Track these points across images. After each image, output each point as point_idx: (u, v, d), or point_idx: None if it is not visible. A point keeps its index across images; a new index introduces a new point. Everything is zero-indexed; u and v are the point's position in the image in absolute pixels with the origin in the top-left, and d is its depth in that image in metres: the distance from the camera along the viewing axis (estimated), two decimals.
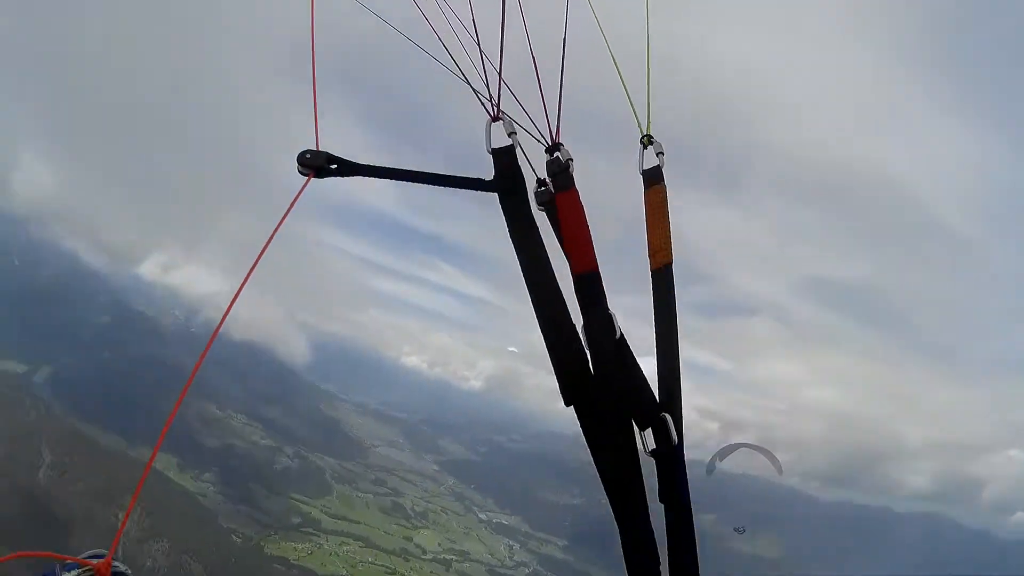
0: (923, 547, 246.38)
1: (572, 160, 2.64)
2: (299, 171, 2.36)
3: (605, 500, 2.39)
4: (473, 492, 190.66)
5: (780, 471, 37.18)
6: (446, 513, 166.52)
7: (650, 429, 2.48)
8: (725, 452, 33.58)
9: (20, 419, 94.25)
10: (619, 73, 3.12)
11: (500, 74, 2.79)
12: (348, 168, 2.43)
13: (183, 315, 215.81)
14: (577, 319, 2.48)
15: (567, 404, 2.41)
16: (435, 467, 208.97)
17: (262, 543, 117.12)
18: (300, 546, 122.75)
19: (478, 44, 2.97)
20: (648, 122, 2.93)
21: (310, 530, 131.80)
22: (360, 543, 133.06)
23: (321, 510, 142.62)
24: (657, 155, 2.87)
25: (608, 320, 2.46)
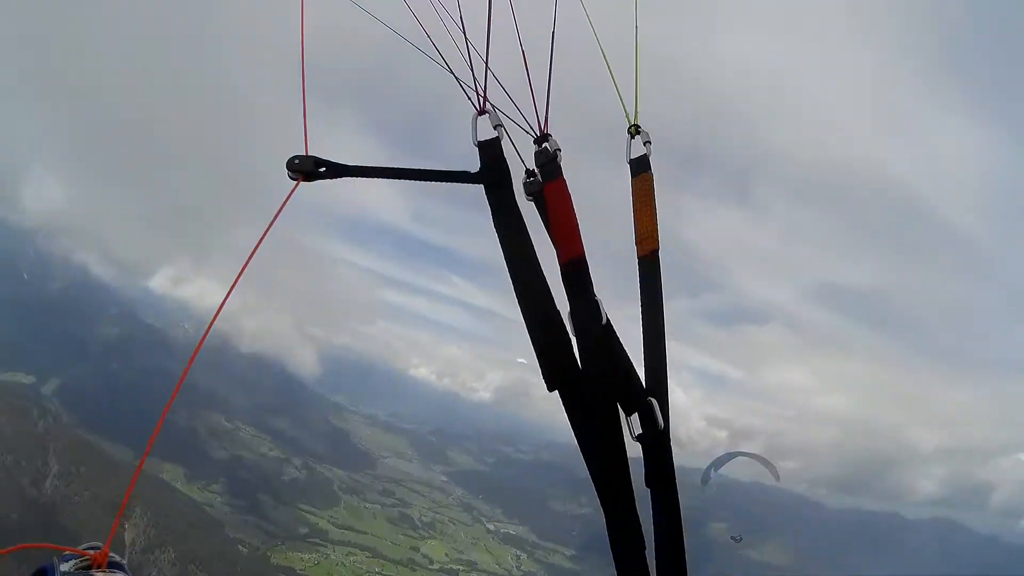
0: (933, 553, 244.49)
1: (560, 151, 2.68)
2: (289, 176, 2.41)
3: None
4: (481, 502, 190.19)
5: (777, 478, 37.31)
6: (454, 523, 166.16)
7: (636, 414, 2.48)
8: (720, 462, 33.52)
9: (28, 429, 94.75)
10: (607, 63, 3.14)
11: (487, 66, 2.81)
12: (336, 170, 2.47)
13: (192, 328, 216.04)
14: (563, 308, 2.49)
15: (551, 390, 2.44)
16: (443, 478, 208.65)
17: (269, 553, 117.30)
18: (307, 556, 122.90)
19: (465, 36, 2.98)
20: (636, 112, 2.95)
21: (317, 540, 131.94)
22: (367, 553, 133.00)
23: (328, 520, 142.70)
24: (644, 144, 2.91)
25: (594, 306, 2.47)
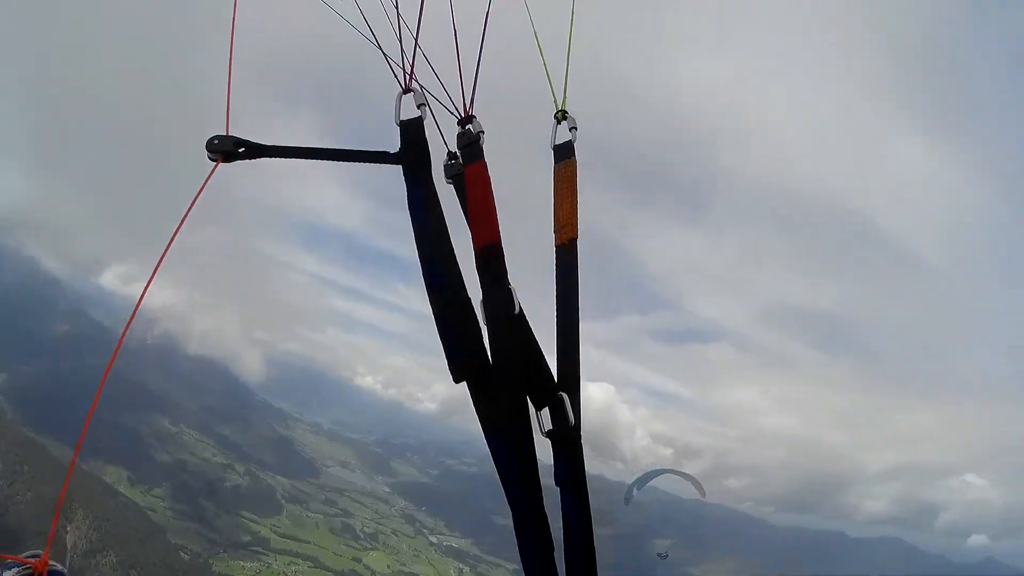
0: (879, 571, 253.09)
1: (483, 133, 2.67)
2: (208, 157, 2.39)
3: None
4: (424, 514, 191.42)
5: (703, 494, 38.67)
6: (396, 535, 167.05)
7: (547, 409, 2.47)
8: (643, 480, 34.50)
9: None
10: (538, 45, 3.12)
11: (416, 42, 2.78)
12: (255, 150, 2.46)
13: (141, 327, 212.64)
14: (474, 296, 2.49)
15: (456, 381, 2.42)
16: (387, 489, 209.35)
17: (210, 561, 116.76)
18: (248, 564, 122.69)
19: (397, 9, 2.91)
20: (564, 97, 2.94)
21: (259, 549, 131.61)
22: (309, 563, 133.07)
23: (271, 529, 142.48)
24: (570, 130, 2.91)
25: (507, 294, 2.46)
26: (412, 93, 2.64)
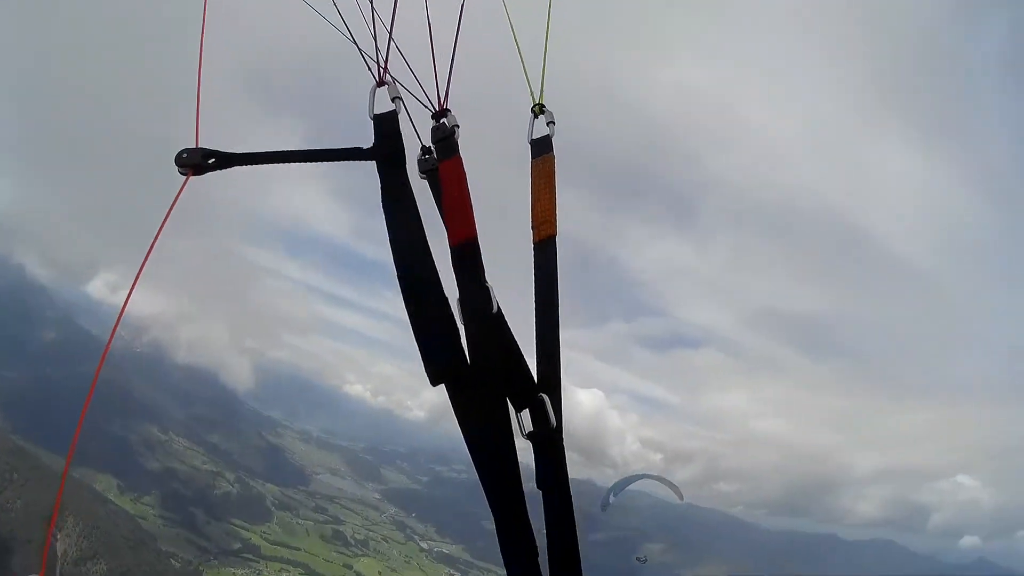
0: (872, 573, 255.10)
1: (458, 127, 2.60)
2: (179, 171, 2.33)
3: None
4: (414, 521, 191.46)
5: (681, 498, 39.35)
6: (387, 542, 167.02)
7: (527, 411, 2.39)
8: (620, 486, 34.50)
9: None
10: (515, 39, 3.03)
11: (391, 35, 2.72)
12: (225, 160, 2.40)
13: (129, 334, 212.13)
14: (451, 294, 2.42)
15: (434, 384, 2.33)
16: (377, 495, 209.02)
17: (201, 568, 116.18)
18: (239, 572, 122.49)
19: (371, 3, 2.83)
20: (541, 91, 2.85)
21: (249, 556, 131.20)
22: (300, 570, 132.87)
23: (261, 536, 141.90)
24: (548, 124, 2.83)
25: (485, 292, 2.39)
26: (386, 86, 2.63)
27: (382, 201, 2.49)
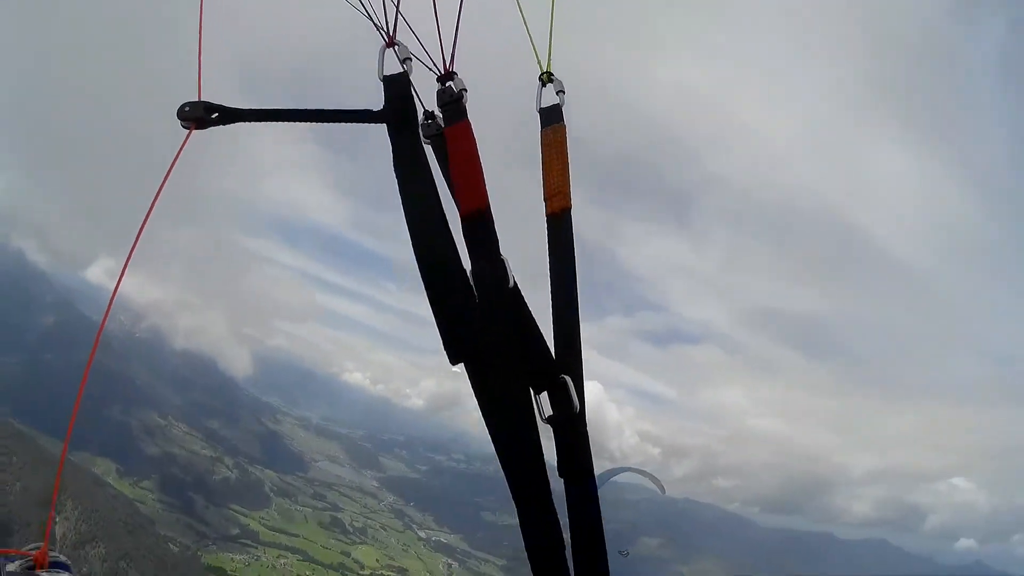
0: (867, 573, 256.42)
1: (466, 91, 2.49)
2: (181, 125, 2.28)
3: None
4: (413, 509, 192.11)
5: (663, 491, 39.37)
6: (385, 529, 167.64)
7: (546, 393, 2.28)
8: (603, 478, 34.19)
9: None
10: (520, 7, 2.90)
11: None
12: (230, 115, 2.34)
13: (128, 321, 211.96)
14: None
15: (453, 363, 2.22)
16: (375, 483, 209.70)
17: (199, 553, 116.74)
18: (237, 557, 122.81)
19: None
20: (548, 59, 2.75)
21: (248, 542, 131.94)
22: (298, 557, 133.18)
23: (260, 522, 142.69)
24: (557, 93, 2.75)
25: (500, 265, 2.27)
26: (395, 47, 2.51)
27: (394, 166, 2.38)
